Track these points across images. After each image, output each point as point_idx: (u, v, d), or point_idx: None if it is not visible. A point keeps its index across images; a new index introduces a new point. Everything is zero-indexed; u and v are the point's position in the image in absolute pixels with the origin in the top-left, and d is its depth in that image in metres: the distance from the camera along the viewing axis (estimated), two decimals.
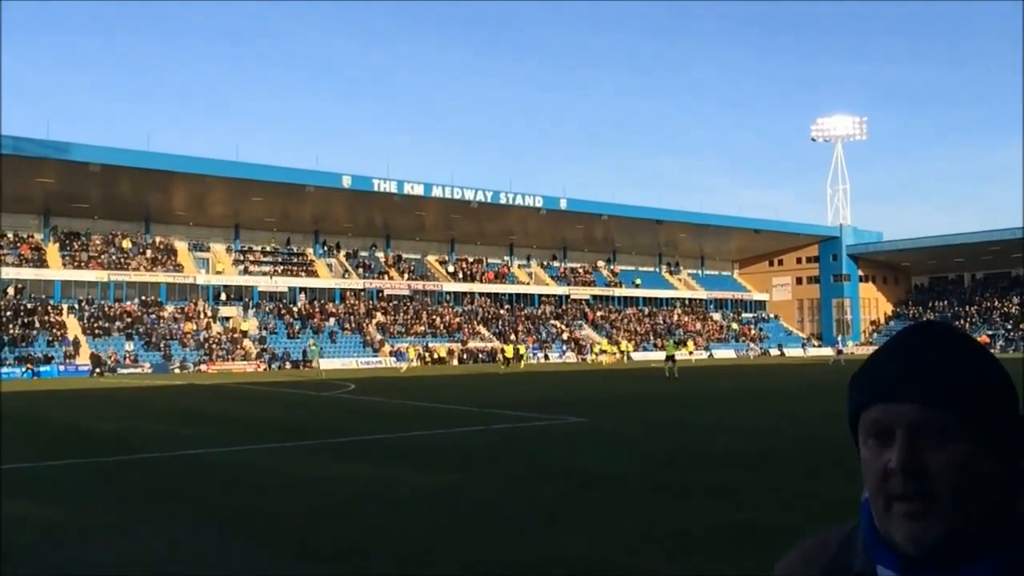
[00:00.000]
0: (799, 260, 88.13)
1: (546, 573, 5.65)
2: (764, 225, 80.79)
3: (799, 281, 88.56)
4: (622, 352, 59.76)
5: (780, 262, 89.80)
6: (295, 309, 61.82)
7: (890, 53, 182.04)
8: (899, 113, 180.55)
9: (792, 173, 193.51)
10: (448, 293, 70.42)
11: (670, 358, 34.30)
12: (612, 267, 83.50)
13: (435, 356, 58.81)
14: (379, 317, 63.52)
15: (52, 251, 56.87)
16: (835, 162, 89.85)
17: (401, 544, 6.53)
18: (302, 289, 64.28)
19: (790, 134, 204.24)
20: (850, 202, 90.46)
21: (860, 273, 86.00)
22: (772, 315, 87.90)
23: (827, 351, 78.66)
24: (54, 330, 50.60)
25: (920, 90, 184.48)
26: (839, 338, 64.27)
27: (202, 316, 57.53)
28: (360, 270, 68.01)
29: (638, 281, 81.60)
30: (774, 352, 75.12)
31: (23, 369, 45.27)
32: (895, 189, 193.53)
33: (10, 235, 56.40)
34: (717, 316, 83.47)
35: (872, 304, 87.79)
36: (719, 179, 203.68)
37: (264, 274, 63.10)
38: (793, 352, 75.93)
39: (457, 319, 66.56)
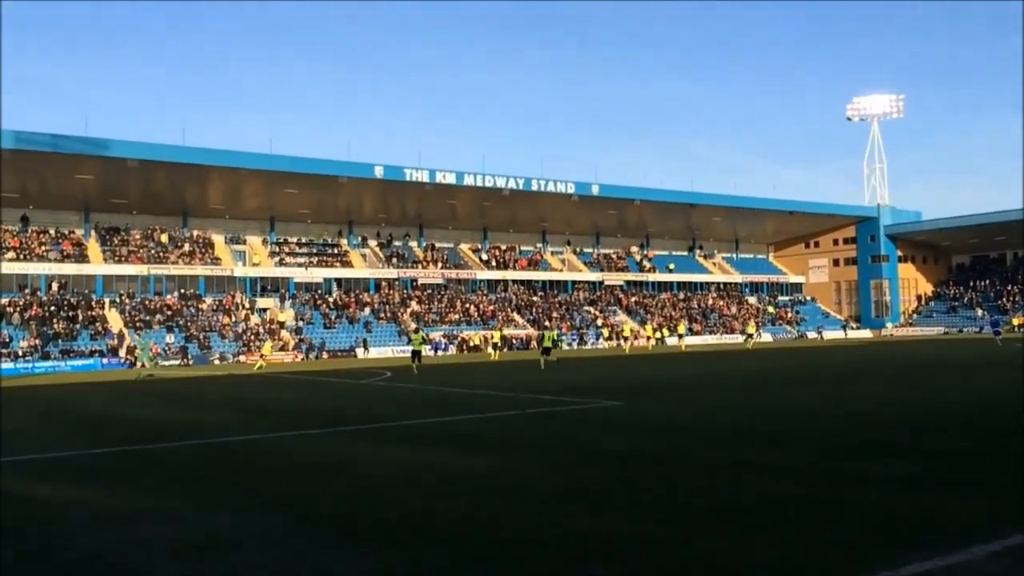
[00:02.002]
0: (836, 242, 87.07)
1: (586, 549, 5.71)
2: (799, 207, 79.91)
3: (836, 263, 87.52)
4: (657, 338, 59.04)
5: (816, 244, 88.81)
6: (330, 299, 62.44)
7: (926, 30, 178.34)
8: (936, 90, 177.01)
9: (828, 153, 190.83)
10: (482, 281, 70.64)
11: (546, 350, 33.48)
12: (646, 252, 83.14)
13: (470, 344, 59.08)
14: (414, 306, 63.93)
15: (93, 246, 57.98)
16: (872, 141, 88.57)
17: (441, 525, 6.62)
18: (337, 280, 64.92)
19: (826, 114, 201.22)
20: (887, 182, 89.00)
21: (899, 253, 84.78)
22: (809, 298, 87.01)
23: (866, 333, 77.98)
24: (97, 324, 51.63)
25: (957, 66, 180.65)
26: (1004, 317, 62.23)
27: (240, 308, 58.34)
28: (394, 259, 68.46)
29: (672, 266, 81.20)
30: (812, 335, 74.38)
31: (124, 361, 47.25)
32: (934, 167, 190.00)
33: (52, 231, 57.59)
34: (753, 300, 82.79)
35: (912, 285, 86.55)
36: (753, 161, 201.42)
37: (299, 265, 63.80)
38: (833, 335, 75.19)
39: (491, 307, 66.77)
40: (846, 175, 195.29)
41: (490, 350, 47.43)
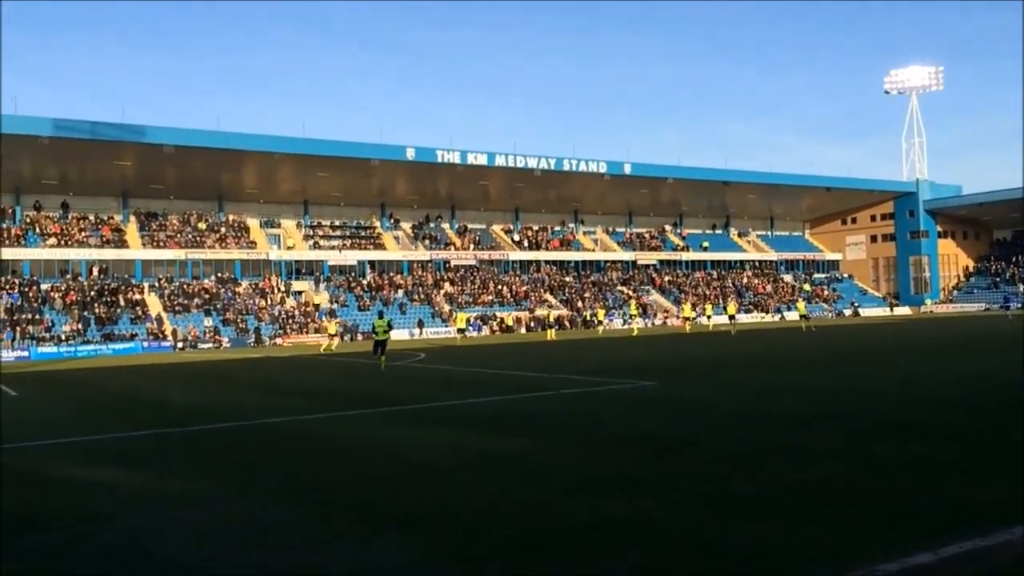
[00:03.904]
0: (873, 218, 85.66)
1: (618, 535, 5.70)
2: (836, 183, 78.70)
3: (874, 239, 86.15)
4: (688, 319, 57.74)
5: (854, 220, 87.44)
6: (364, 282, 62.86)
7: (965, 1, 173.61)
8: (976, 61, 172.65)
9: (865, 128, 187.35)
10: (514, 262, 70.63)
11: (380, 343, 24.96)
12: (679, 231, 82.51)
13: (504, 325, 59.24)
14: (447, 287, 64.14)
15: (132, 231, 58.85)
16: (910, 115, 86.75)
17: (474, 511, 6.65)
18: (370, 262, 65.31)
19: (863, 87, 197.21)
20: (927, 156, 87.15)
21: (939, 229, 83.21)
22: (846, 275, 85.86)
23: (904, 310, 76.99)
24: (136, 308, 52.51)
25: (998, 36, 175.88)
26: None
27: (276, 291, 58.98)
28: (427, 241, 68.66)
29: (706, 244, 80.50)
30: (847, 313, 73.53)
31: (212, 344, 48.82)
32: (974, 141, 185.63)
33: (92, 217, 58.55)
34: (788, 278, 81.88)
35: (952, 260, 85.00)
36: (788, 138, 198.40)
37: (333, 248, 64.27)
38: (873, 312, 74.28)
39: (524, 287, 66.78)
40: (883, 151, 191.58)
41: (549, 330, 47.08)
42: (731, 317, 48.31)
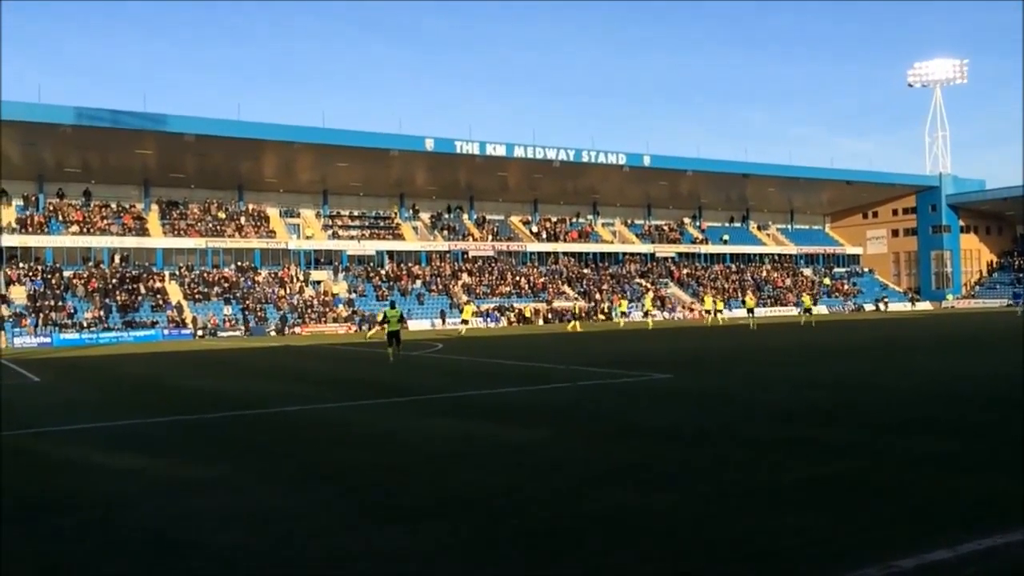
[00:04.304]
0: (895, 212, 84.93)
1: (629, 527, 5.72)
2: (857, 176, 78.06)
3: (895, 233, 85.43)
4: (714, 311, 56.86)
5: (875, 214, 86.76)
6: (383, 272, 63.07)
7: None
8: (1002, 54, 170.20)
9: (888, 121, 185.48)
10: (532, 253, 70.63)
11: (393, 334, 24.35)
12: (698, 223, 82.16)
13: (520, 315, 59.29)
14: (464, 278, 64.25)
15: (153, 220, 59.33)
16: (934, 108, 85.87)
17: (487, 500, 6.69)
18: (389, 252, 65.50)
19: (885, 80, 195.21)
20: (950, 150, 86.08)
21: (961, 223, 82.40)
22: (866, 269, 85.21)
23: (925, 305, 76.39)
24: (157, 296, 52.97)
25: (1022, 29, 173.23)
26: None
27: (295, 280, 59.31)
28: (445, 232, 68.76)
29: (725, 237, 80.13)
30: (869, 307, 72.98)
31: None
32: (999, 135, 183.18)
33: (113, 205, 59.07)
34: (808, 272, 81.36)
35: (974, 256, 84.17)
36: (809, 130, 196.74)
37: (352, 238, 64.49)
38: (895, 307, 73.74)
39: (542, 279, 66.78)
40: (906, 145, 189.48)
41: (574, 322, 47.10)
42: (750, 311, 47.25)
